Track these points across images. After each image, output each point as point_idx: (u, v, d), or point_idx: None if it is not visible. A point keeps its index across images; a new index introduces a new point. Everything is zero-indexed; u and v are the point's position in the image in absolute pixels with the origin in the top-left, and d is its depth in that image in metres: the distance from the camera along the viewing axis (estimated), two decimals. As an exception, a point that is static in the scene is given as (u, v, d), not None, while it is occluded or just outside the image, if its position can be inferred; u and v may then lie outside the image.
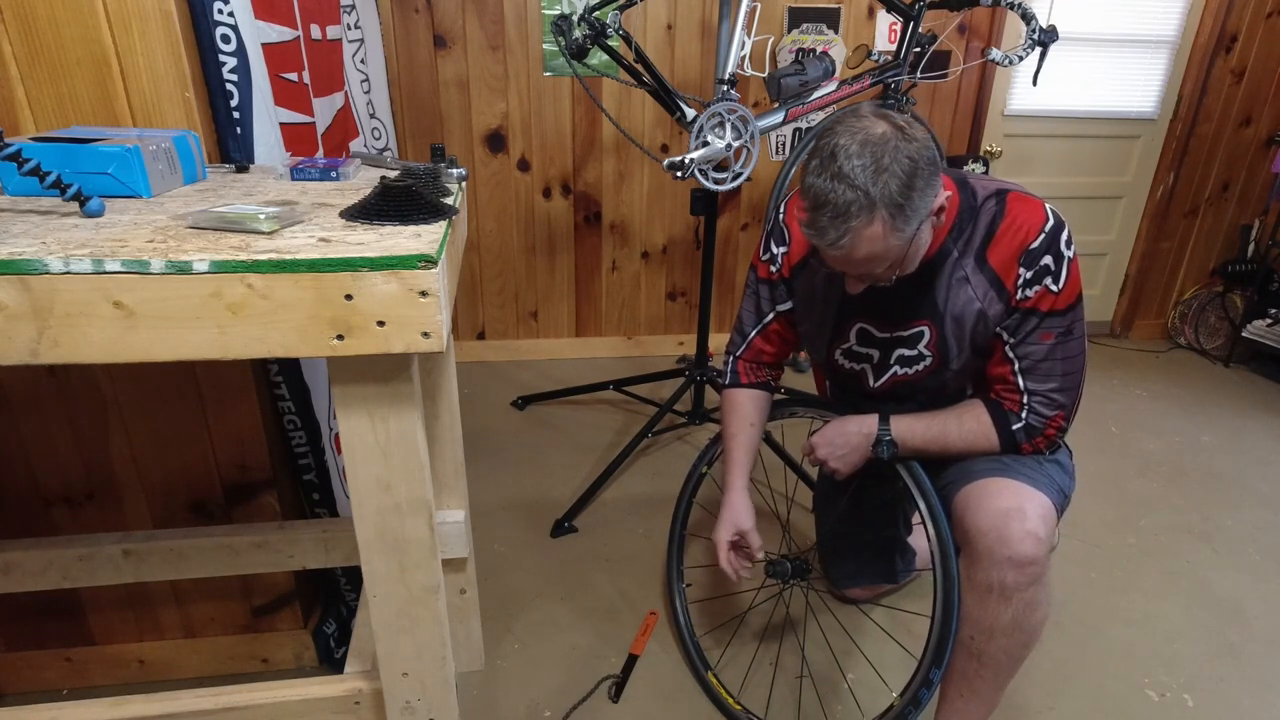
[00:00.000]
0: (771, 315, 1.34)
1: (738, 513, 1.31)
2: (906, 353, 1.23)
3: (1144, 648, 1.60)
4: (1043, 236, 1.07)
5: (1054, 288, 1.08)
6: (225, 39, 1.07)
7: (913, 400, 1.28)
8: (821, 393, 1.56)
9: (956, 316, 1.15)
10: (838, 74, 1.96)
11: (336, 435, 1.27)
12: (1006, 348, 1.14)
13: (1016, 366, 1.14)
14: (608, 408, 2.60)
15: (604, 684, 1.47)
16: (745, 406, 1.37)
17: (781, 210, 1.30)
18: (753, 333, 1.36)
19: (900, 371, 1.25)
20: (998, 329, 1.14)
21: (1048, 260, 1.07)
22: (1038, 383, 1.13)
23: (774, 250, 1.30)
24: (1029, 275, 1.08)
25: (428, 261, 0.65)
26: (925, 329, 1.19)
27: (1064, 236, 1.07)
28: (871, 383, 1.29)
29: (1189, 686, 1.50)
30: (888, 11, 2.65)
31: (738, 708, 1.39)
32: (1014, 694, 1.44)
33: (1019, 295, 1.10)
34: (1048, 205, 1.09)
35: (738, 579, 1.29)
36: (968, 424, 1.18)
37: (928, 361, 1.22)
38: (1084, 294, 1.12)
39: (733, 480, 1.34)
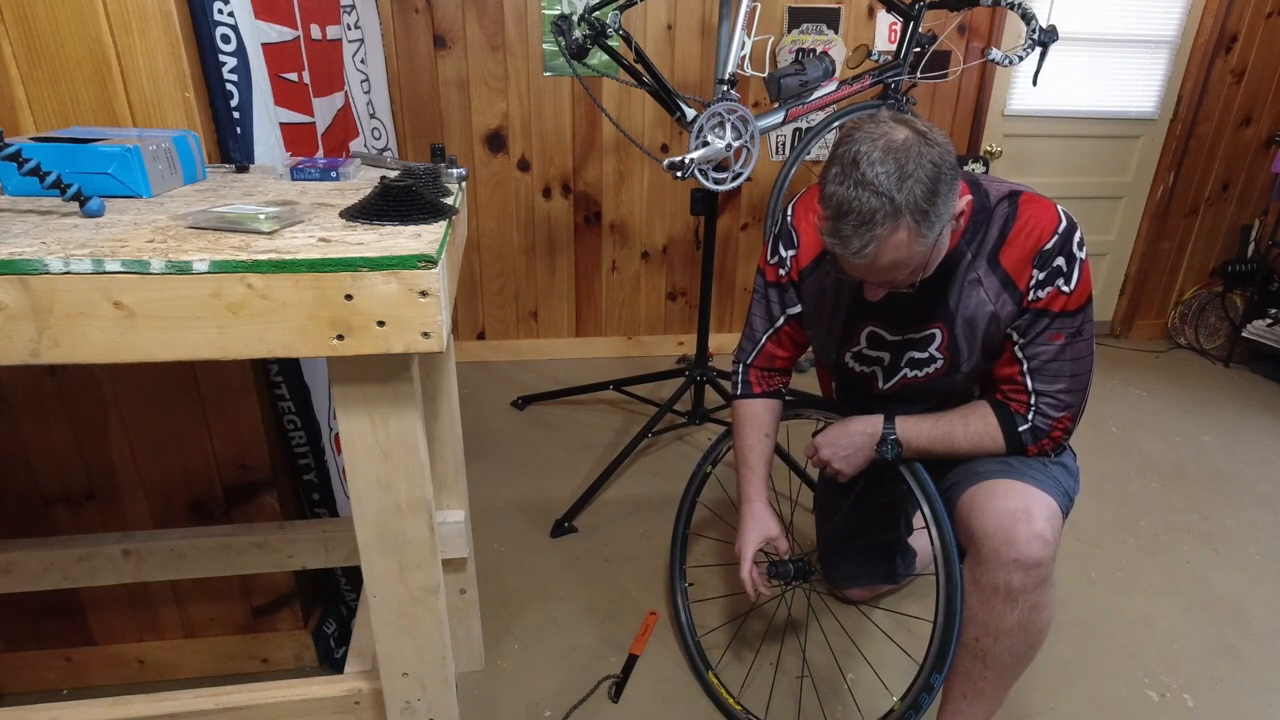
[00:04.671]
0: (783, 319, 1.33)
1: (764, 522, 1.31)
2: (917, 355, 1.23)
3: (1144, 648, 1.60)
4: (1056, 238, 1.07)
5: (1066, 288, 1.08)
6: (225, 39, 1.07)
7: (921, 403, 1.27)
8: (826, 394, 1.55)
9: (969, 319, 1.15)
10: (838, 74, 1.96)
11: (336, 435, 1.27)
12: (1016, 348, 1.14)
13: (1025, 367, 1.13)
14: (608, 408, 2.60)
15: (604, 684, 1.47)
16: (761, 417, 1.36)
17: (789, 213, 1.29)
18: (764, 338, 1.35)
19: (910, 374, 1.25)
20: (1008, 329, 1.13)
21: (1060, 261, 1.07)
22: (1045, 383, 1.13)
23: (782, 253, 1.29)
24: (1042, 276, 1.08)
25: (428, 261, 0.65)
26: (937, 331, 1.18)
27: (1076, 238, 1.07)
28: (880, 385, 1.29)
29: (1189, 686, 1.50)
30: (888, 11, 2.65)
31: (738, 708, 1.38)
32: (1015, 694, 1.44)
33: (1031, 296, 1.09)
34: (1060, 206, 1.09)
35: (756, 596, 1.29)
36: (973, 425, 1.18)
37: (938, 364, 1.21)
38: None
39: (753, 491, 1.33)
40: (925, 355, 1.22)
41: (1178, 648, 1.60)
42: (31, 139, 0.82)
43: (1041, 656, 1.54)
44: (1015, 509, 1.06)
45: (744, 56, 1.80)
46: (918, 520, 1.61)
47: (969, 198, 1.05)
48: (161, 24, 1.00)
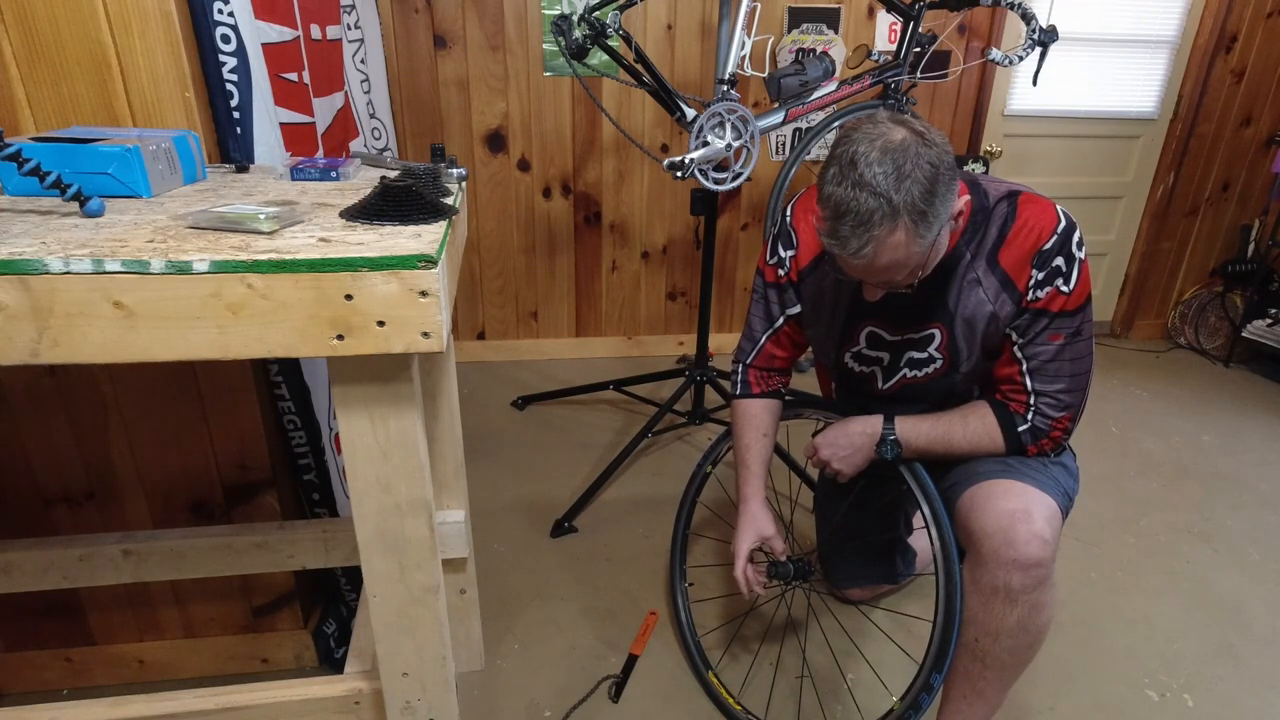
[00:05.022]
0: (782, 319, 1.33)
1: (759, 521, 1.31)
2: (916, 355, 1.23)
3: (1144, 648, 1.60)
4: (1055, 238, 1.07)
5: (1065, 288, 1.08)
6: (225, 39, 1.07)
7: (920, 403, 1.27)
8: (826, 394, 1.55)
9: (968, 319, 1.15)
10: (838, 74, 1.96)
11: (336, 435, 1.27)
12: (1015, 348, 1.14)
13: (1024, 367, 1.14)
14: (608, 408, 2.60)
15: (604, 684, 1.47)
16: (760, 417, 1.36)
17: (788, 213, 1.29)
18: (763, 338, 1.35)
19: (910, 374, 1.25)
20: (1007, 329, 1.14)
21: (1059, 261, 1.07)
22: (1045, 383, 1.13)
23: (781, 254, 1.29)
24: (1041, 276, 1.08)
25: (428, 261, 0.65)
26: (936, 332, 1.18)
27: (1075, 238, 1.07)
28: (880, 385, 1.29)
29: (1189, 686, 1.50)
30: (888, 11, 2.65)
31: (738, 708, 1.38)
32: (1014, 694, 1.44)
33: (1030, 296, 1.09)
34: (1059, 206, 1.09)
35: (749, 594, 1.29)
36: (973, 425, 1.18)
37: (938, 364, 1.21)
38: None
39: (751, 490, 1.33)
40: (924, 355, 1.22)
41: (1178, 648, 1.60)
42: (31, 139, 0.82)
43: (1041, 656, 1.54)
44: (1015, 509, 1.06)
45: (744, 56, 1.80)
46: (918, 520, 1.61)
47: (967, 198, 1.05)
48: (161, 24, 1.00)
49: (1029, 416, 1.15)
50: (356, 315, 0.66)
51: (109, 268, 0.61)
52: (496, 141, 2.67)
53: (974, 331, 1.15)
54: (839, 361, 1.32)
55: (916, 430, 1.21)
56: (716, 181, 1.81)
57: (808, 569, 1.35)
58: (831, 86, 1.90)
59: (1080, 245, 1.08)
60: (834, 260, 1.05)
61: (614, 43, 1.81)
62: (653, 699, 1.44)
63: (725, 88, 1.78)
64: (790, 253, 1.28)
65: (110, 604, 1.38)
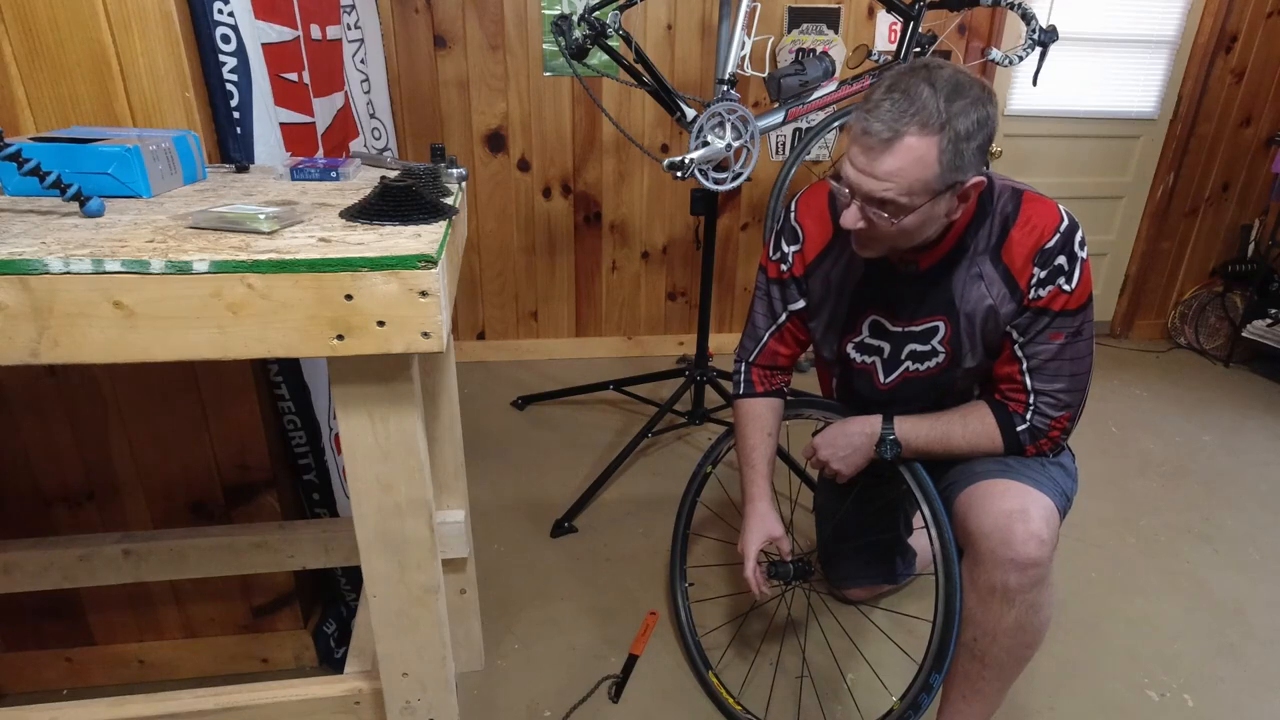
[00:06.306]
0: (785, 315, 1.33)
1: (768, 522, 1.31)
2: (919, 348, 1.22)
3: (1144, 648, 1.60)
4: (1057, 236, 1.07)
5: (1066, 288, 1.08)
6: (225, 39, 1.07)
7: (920, 400, 1.27)
8: (827, 393, 1.55)
9: (969, 313, 1.15)
10: (838, 74, 1.96)
11: (336, 435, 1.27)
12: (1016, 346, 1.14)
13: (1025, 365, 1.14)
14: (608, 408, 2.60)
15: (604, 684, 1.47)
16: (763, 416, 1.36)
17: (791, 209, 1.29)
18: (767, 335, 1.35)
19: (912, 367, 1.25)
20: (1008, 328, 1.14)
21: (1061, 260, 1.07)
22: (1045, 382, 1.13)
23: (785, 249, 1.29)
24: (1043, 275, 1.08)
25: (428, 261, 0.65)
26: (940, 324, 1.18)
27: (1078, 237, 1.08)
28: (881, 379, 1.29)
29: (1189, 686, 1.50)
30: (888, 11, 2.64)
31: (738, 708, 1.38)
32: (1014, 694, 1.44)
33: (1032, 294, 1.10)
34: (1061, 206, 1.10)
35: (760, 595, 1.29)
36: (972, 425, 1.18)
37: (940, 358, 1.21)
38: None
39: (757, 491, 1.33)
40: (928, 348, 1.22)
41: (1178, 648, 1.60)
42: (31, 139, 0.82)
43: (1041, 656, 1.54)
44: (1012, 509, 1.06)
45: (744, 56, 1.80)
46: (917, 520, 1.61)
47: (982, 179, 1.04)
48: (161, 24, 1.00)
49: (1028, 416, 1.15)
50: (356, 315, 0.66)
51: (109, 268, 0.61)
52: (496, 141, 2.67)
53: (975, 326, 1.16)
54: (841, 352, 1.32)
55: (916, 430, 1.21)
56: (716, 181, 1.81)
57: (808, 569, 1.35)
58: (831, 86, 1.90)
59: (1082, 245, 1.08)
60: (837, 174, 1.05)
61: (614, 43, 1.81)
62: (653, 699, 1.44)
63: (725, 88, 1.78)
64: (794, 248, 1.28)
65: (110, 604, 1.38)
